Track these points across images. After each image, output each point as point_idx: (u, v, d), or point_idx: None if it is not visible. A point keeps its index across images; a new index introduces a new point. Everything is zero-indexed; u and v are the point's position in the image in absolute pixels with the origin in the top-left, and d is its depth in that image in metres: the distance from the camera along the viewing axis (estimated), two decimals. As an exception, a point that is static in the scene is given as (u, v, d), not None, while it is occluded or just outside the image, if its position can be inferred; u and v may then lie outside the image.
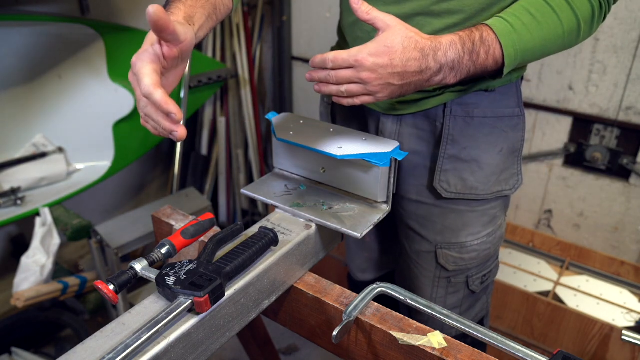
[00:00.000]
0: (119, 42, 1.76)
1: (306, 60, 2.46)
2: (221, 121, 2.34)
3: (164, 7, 0.69)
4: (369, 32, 0.87)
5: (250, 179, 2.52)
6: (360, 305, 0.68)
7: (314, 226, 0.79)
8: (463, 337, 0.80)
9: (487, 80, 0.87)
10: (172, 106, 0.61)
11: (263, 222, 0.80)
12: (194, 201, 1.85)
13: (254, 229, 0.77)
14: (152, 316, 0.59)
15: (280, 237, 0.75)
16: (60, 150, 1.77)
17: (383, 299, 0.72)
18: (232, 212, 2.54)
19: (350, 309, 0.67)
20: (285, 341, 1.98)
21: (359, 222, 0.79)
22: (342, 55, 0.73)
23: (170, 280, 0.60)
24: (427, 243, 1.01)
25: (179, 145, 2.03)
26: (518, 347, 0.60)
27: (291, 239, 0.75)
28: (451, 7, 0.81)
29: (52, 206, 1.60)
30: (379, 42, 0.73)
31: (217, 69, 2.12)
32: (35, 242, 1.51)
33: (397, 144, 0.82)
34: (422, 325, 0.67)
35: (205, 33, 0.75)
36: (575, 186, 1.89)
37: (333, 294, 0.74)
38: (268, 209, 2.45)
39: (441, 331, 0.66)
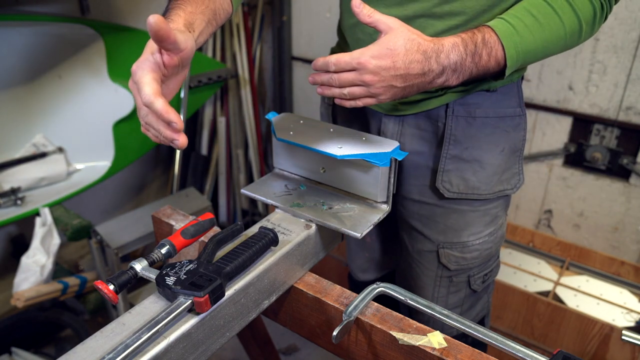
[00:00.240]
0: (119, 42, 1.76)
1: (306, 60, 2.46)
2: (221, 121, 2.34)
3: (163, 14, 0.71)
4: (370, 33, 0.87)
5: (250, 179, 2.52)
6: (360, 305, 0.68)
7: (314, 226, 0.79)
8: (463, 337, 0.80)
9: (488, 80, 0.87)
10: (172, 115, 0.62)
11: (263, 222, 0.80)
12: (194, 201, 1.85)
13: (254, 229, 0.77)
14: (152, 316, 0.59)
15: (280, 237, 0.75)
16: (60, 150, 1.77)
17: (383, 299, 0.72)
18: (232, 212, 2.54)
19: (350, 309, 0.67)
20: (285, 341, 1.98)
21: (359, 222, 0.79)
22: (345, 57, 0.73)
23: (170, 280, 0.60)
24: (429, 242, 1.01)
25: (179, 145, 2.03)
26: (518, 347, 0.60)
27: (291, 239, 0.75)
28: (453, 9, 0.81)
29: (52, 206, 1.60)
30: (381, 45, 0.73)
31: (217, 69, 2.12)
32: (35, 242, 1.51)
33: (397, 144, 0.82)
34: (422, 325, 0.67)
35: (205, 39, 0.75)
36: (575, 186, 1.89)
37: (333, 294, 0.74)
38: (268, 209, 2.45)
39: (441, 331, 0.66)
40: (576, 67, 1.74)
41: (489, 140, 0.92)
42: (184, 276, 0.61)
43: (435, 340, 0.65)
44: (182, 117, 1.97)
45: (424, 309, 0.67)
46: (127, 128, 1.81)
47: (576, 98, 1.78)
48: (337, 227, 0.78)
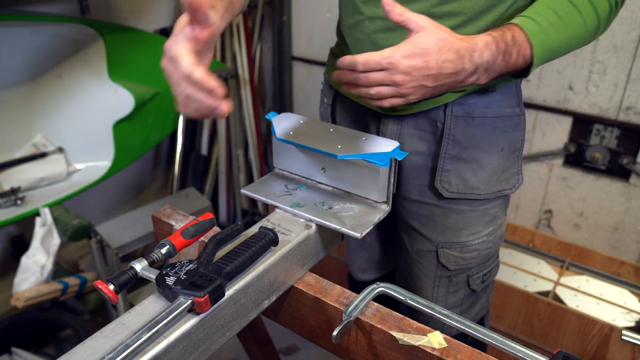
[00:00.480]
0: (119, 42, 1.76)
1: (306, 60, 2.46)
2: (221, 121, 2.34)
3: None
4: (369, 34, 0.87)
5: (250, 179, 2.52)
6: (360, 305, 0.68)
7: (314, 226, 0.79)
8: (463, 336, 0.80)
9: None
10: (213, 82, 0.62)
11: (263, 222, 0.80)
12: (194, 201, 1.85)
13: (254, 229, 0.77)
14: (152, 316, 0.59)
15: (280, 237, 0.75)
16: (60, 150, 1.77)
17: (383, 299, 0.72)
18: (232, 212, 2.54)
19: (350, 309, 0.67)
20: (285, 341, 1.98)
21: (359, 222, 0.79)
22: (375, 57, 0.72)
23: (170, 280, 0.60)
24: (428, 242, 1.01)
25: (179, 145, 2.03)
26: (518, 347, 0.60)
27: (291, 239, 0.75)
28: (452, 9, 0.81)
29: (52, 206, 1.60)
30: (412, 44, 0.71)
31: (217, 69, 2.12)
32: (35, 242, 1.51)
33: (397, 144, 0.82)
34: (422, 325, 0.67)
35: (225, 24, 0.75)
36: (575, 186, 1.89)
37: (333, 294, 0.74)
38: (268, 209, 2.45)
39: (441, 331, 0.66)
40: (576, 67, 1.74)
41: (488, 140, 0.92)
42: (184, 276, 0.61)
43: (435, 340, 0.65)
44: (182, 117, 1.97)
45: (423, 309, 0.67)
46: (127, 128, 1.81)
47: (576, 98, 1.78)
48: (337, 227, 0.78)
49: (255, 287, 0.68)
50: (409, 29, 0.73)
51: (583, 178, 1.86)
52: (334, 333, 0.64)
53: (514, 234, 2.03)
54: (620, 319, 1.64)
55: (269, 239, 0.71)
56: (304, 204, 0.84)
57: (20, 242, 1.83)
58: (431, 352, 0.63)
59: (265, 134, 2.59)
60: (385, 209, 0.83)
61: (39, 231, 1.53)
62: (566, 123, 1.83)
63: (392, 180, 0.82)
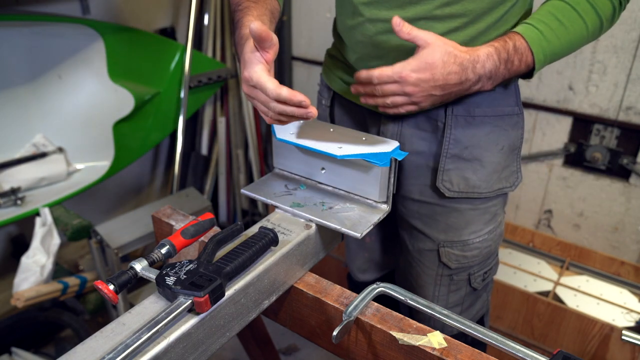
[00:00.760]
0: (119, 42, 1.76)
1: (306, 60, 2.46)
2: (221, 121, 2.34)
3: (234, 22, 0.84)
4: (370, 36, 0.88)
5: (250, 179, 2.52)
6: (360, 305, 0.68)
7: (314, 226, 0.79)
8: (462, 335, 0.80)
9: None
10: (300, 96, 0.70)
11: (263, 222, 0.80)
12: (194, 201, 1.85)
13: (254, 229, 0.77)
14: (152, 316, 0.59)
15: (280, 237, 0.75)
16: (60, 150, 1.77)
17: (383, 299, 0.72)
18: (232, 212, 2.54)
19: (350, 309, 0.67)
20: (285, 341, 1.98)
21: (359, 222, 0.79)
22: (387, 72, 0.80)
23: (170, 280, 0.60)
24: (429, 241, 1.01)
25: (179, 145, 2.03)
26: (518, 347, 0.60)
27: (291, 239, 0.75)
28: (454, 11, 0.83)
29: (52, 206, 1.60)
30: (420, 59, 0.78)
31: (217, 69, 2.12)
32: (35, 242, 1.51)
33: (397, 144, 0.82)
34: (422, 325, 0.67)
35: None
36: (575, 186, 1.89)
37: (333, 294, 0.74)
38: (268, 209, 2.45)
39: (441, 331, 0.66)
40: (576, 67, 1.74)
41: (488, 139, 0.93)
42: (184, 276, 0.61)
43: (435, 340, 0.65)
44: (182, 117, 1.97)
45: (424, 309, 0.67)
46: (127, 128, 1.81)
47: (576, 98, 1.78)
48: (337, 227, 0.78)
49: (255, 287, 0.68)
50: (417, 45, 0.79)
51: (583, 178, 1.86)
52: (334, 333, 0.64)
53: (514, 234, 2.03)
54: (620, 319, 1.64)
55: (269, 239, 0.71)
56: (304, 204, 0.84)
57: (20, 242, 1.83)
58: (431, 352, 0.63)
59: (265, 134, 2.59)
60: (385, 209, 0.83)
61: (39, 231, 1.53)
62: (566, 123, 1.83)
63: (392, 180, 0.82)
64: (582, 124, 1.80)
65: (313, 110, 0.72)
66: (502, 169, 0.96)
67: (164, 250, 0.65)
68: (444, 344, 0.64)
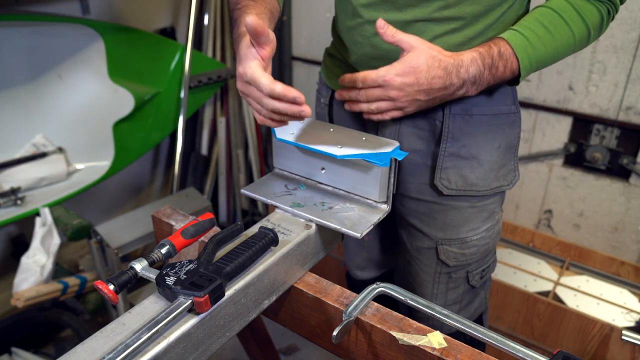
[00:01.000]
0: (119, 42, 1.76)
1: (306, 60, 2.46)
2: (221, 121, 2.34)
3: (232, 21, 0.83)
4: (368, 37, 0.88)
5: (250, 179, 2.52)
6: (360, 305, 0.68)
7: (314, 226, 0.79)
8: (461, 334, 0.80)
9: None
10: (294, 91, 0.68)
11: (263, 222, 0.80)
12: (194, 201, 1.85)
13: (254, 229, 0.77)
14: (152, 316, 0.59)
15: (280, 237, 0.75)
16: (60, 150, 1.77)
17: (383, 299, 0.72)
18: (232, 212, 2.54)
19: (350, 309, 0.67)
20: (285, 341, 1.98)
21: (359, 222, 0.79)
22: (371, 75, 0.80)
23: (170, 280, 0.60)
24: (428, 239, 1.01)
25: (179, 145, 2.03)
26: (518, 347, 0.60)
27: (291, 239, 0.75)
28: (451, 14, 0.83)
29: (52, 206, 1.60)
30: (404, 63, 0.78)
31: (217, 69, 2.12)
32: (35, 242, 1.51)
33: (397, 144, 0.82)
34: (422, 325, 0.67)
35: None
36: (575, 186, 1.89)
37: (333, 294, 0.74)
38: (268, 209, 2.45)
39: (441, 330, 0.66)
40: (576, 67, 1.74)
41: (486, 138, 0.93)
42: (184, 276, 0.61)
43: (435, 340, 0.65)
44: (182, 117, 1.97)
45: (423, 308, 0.67)
46: (127, 128, 1.81)
47: (576, 98, 1.78)
48: (337, 227, 0.78)
49: (255, 287, 0.68)
50: (402, 49, 0.79)
51: (583, 178, 1.86)
52: (334, 333, 0.64)
53: (514, 234, 2.03)
54: (620, 319, 1.64)
55: (269, 239, 0.71)
56: (304, 204, 0.84)
57: (20, 242, 1.83)
58: (431, 352, 0.63)
59: (265, 134, 2.59)
60: (385, 209, 0.83)
61: (39, 231, 1.53)
62: (566, 123, 1.83)
63: (392, 180, 0.82)
64: (582, 124, 1.80)
65: (307, 109, 0.70)
66: (499, 167, 0.96)
67: (164, 250, 0.65)
68: (444, 344, 0.64)
